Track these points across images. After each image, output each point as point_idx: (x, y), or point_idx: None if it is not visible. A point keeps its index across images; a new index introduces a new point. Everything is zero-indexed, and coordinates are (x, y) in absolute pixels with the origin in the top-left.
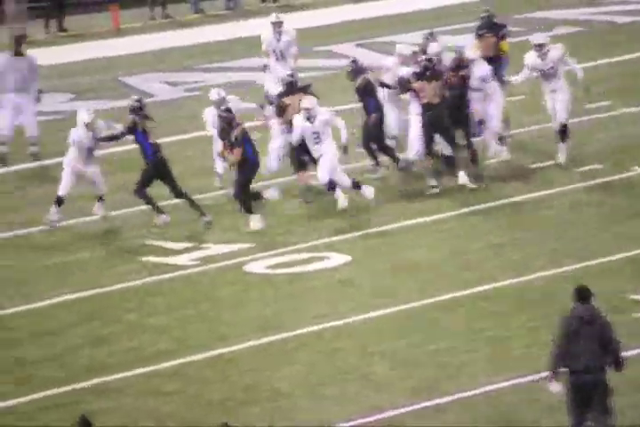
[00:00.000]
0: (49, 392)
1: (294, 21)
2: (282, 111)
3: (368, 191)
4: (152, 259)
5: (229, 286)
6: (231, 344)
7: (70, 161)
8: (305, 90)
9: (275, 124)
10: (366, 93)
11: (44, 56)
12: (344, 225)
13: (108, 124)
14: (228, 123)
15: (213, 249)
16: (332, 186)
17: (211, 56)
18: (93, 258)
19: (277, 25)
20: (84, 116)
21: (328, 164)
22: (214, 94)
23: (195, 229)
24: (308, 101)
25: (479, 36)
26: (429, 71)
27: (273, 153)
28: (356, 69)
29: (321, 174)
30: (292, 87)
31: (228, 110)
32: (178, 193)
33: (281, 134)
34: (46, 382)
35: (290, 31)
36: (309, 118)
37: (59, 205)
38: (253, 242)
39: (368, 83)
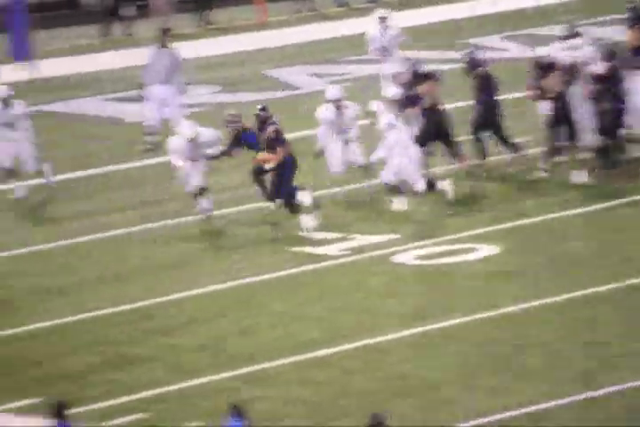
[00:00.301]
0: (200, 380)
1: (437, 14)
2: (413, 102)
3: (424, 189)
4: (302, 249)
5: (378, 276)
6: (381, 334)
7: (178, 162)
8: (430, 77)
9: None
10: (481, 87)
11: (191, 49)
12: (491, 217)
13: (213, 134)
14: (262, 121)
15: (362, 240)
16: (431, 186)
17: (354, 49)
18: (245, 247)
19: (383, 20)
20: (186, 131)
21: (414, 168)
22: (332, 93)
23: (343, 220)
24: (375, 104)
25: (631, 27)
26: (545, 65)
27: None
28: (473, 62)
29: (420, 185)
30: (417, 76)
31: (264, 109)
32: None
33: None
34: (197, 369)
35: (395, 27)
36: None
37: (201, 196)
38: (401, 233)
39: (484, 76)
